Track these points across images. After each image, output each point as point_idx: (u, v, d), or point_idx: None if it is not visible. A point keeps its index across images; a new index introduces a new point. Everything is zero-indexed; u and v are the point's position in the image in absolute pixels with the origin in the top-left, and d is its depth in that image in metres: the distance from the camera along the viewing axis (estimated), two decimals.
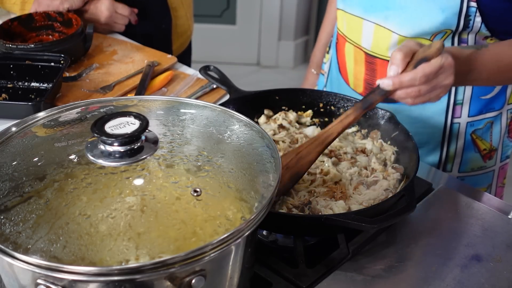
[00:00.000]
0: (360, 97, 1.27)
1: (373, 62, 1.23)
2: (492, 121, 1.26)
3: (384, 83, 0.95)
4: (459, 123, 1.24)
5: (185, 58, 1.93)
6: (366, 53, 1.24)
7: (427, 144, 1.27)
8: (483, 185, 1.33)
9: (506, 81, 1.15)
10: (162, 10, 1.76)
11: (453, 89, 1.19)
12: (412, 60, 0.96)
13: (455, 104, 1.21)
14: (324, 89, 1.45)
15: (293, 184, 0.97)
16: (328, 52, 1.49)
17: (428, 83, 0.94)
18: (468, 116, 1.23)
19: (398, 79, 0.94)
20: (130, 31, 1.65)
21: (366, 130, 1.13)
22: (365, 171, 1.02)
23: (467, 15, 1.09)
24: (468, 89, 1.20)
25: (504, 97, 1.25)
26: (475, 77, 1.05)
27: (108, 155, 0.70)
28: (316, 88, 1.55)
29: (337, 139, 1.04)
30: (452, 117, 1.23)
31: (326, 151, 1.05)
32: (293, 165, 0.97)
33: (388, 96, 0.97)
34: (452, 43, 1.14)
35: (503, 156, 1.33)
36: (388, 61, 1.20)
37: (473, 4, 1.07)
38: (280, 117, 1.16)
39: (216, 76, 1.23)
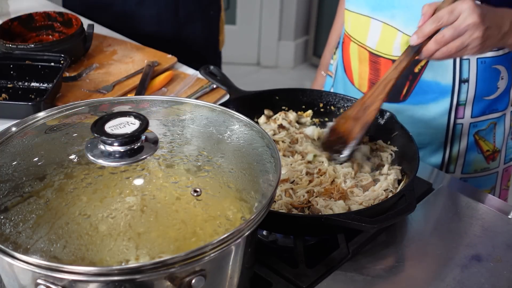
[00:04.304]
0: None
1: (377, 62, 1.23)
2: (496, 122, 1.26)
3: (411, 40, 0.99)
4: (462, 123, 1.23)
5: (216, 57, 1.98)
6: (370, 53, 1.24)
7: (429, 145, 1.27)
8: (487, 187, 1.32)
9: None
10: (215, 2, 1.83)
11: (456, 89, 1.19)
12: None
13: (458, 104, 1.21)
14: (331, 89, 1.46)
15: (364, 133, 1.03)
16: (335, 53, 1.50)
17: (450, 26, 0.95)
18: (471, 117, 1.23)
19: (420, 30, 0.97)
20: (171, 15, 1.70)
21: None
22: (361, 174, 1.02)
23: None
24: (471, 90, 1.20)
25: (507, 98, 1.25)
26: None
27: (108, 155, 0.70)
28: (323, 89, 1.55)
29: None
30: (455, 117, 1.22)
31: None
32: (361, 116, 1.04)
33: (421, 51, 0.99)
34: None
35: (507, 158, 1.33)
36: (392, 60, 1.20)
37: (478, 3, 1.07)
38: (280, 117, 1.16)
39: (216, 76, 1.23)
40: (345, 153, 1.04)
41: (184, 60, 1.52)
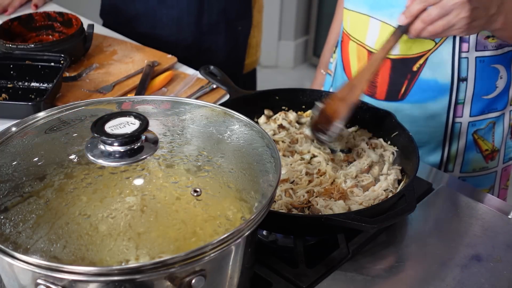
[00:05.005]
0: (363, 95, 1.28)
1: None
2: (494, 122, 1.26)
3: (399, 19, 1.01)
4: (461, 122, 1.23)
5: (251, 82, 1.89)
6: (369, 51, 1.24)
7: (428, 144, 1.27)
8: (486, 187, 1.32)
9: None
10: (245, 22, 1.75)
11: (455, 88, 1.19)
12: None
13: (456, 103, 1.21)
14: (330, 89, 1.46)
15: (349, 113, 1.04)
16: (334, 52, 1.50)
17: (437, 5, 0.96)
18: (470, 116, 1.23)
19: (407, 9, 0.99)
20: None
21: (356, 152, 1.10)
22: (362, 175, 1.02)
23: None
24: (470, 89, 1.20)
25: (506, 98, 1.25)
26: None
27: (108, 155, 0.70)
28: (323, 88, 1.55)
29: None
30: (454, 116, 1.22)
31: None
32: (347, 96, 1.05)
33: (409, 31, 1.01)
34: (454, 42, 1.14)
35: (506, 157, 1.33)
36: (390, 59, 1.20)
37: None
38: (280, 117, 1.16)
39: (216, 76, 1.23)
40: (330, 133, 1.05)
41: None
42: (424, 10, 0.99)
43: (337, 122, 1.04)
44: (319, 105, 1.09)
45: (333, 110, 1.06)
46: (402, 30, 1.02)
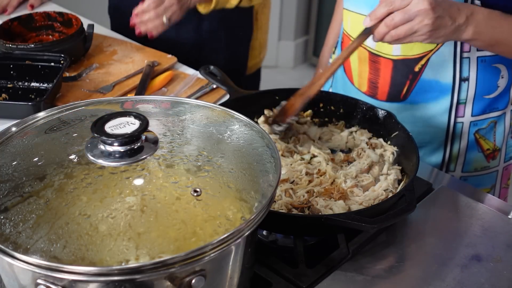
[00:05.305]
0: (365, 96, 1.28)
1: (377, 61, 1.23)
2: (496, 121, 1.26)
3: (364, 21, 1.02)
4: (462, 122, 1.23)
5: (254, 82, 1.90)
6: (370, 52, 1.24)
7: (430, 144, 1.27)
8: (487, 186, 1.32)
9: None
10: (246, 23, 1.74)
11: (457, 88, 1.19)
12: None
13: (458, 103, 1.21)
14: (330, 89, 1.46)
15: (303, 106, 1.09)
16: (334, 53, 1.50)
17: (401, 11, 0.97)
18: (472, 116, 1.23)
19: (373, 12, 1.00)
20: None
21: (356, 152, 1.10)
22: (362, 175, 1.02)
23: None
24: (472, 88, 1.20)
25: (507, 97, 1.25)
26: (477, 24, 1.03)
27: (108, 155, 0.70)
28: (322, 88, 1.55)
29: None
30: (456, 116, 1.23)
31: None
32: (305, 91, 1.09)
33: (373, 33, 1.02)
34: (455, 42, 1.14)
35: (507, 156, 1.33)
36: (392, 60, 1.20)
37: (477, 2, 1.08)
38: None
39: (216, 76, 1.23)
40: (283, 124, 1.09)
41: None
42: (389, 14, 0.99)
43: (291, 115, 1.09)
44: (284, 102, 1.12)
45: (291, 105, 1.10)
46: (366, 33, 1.03)
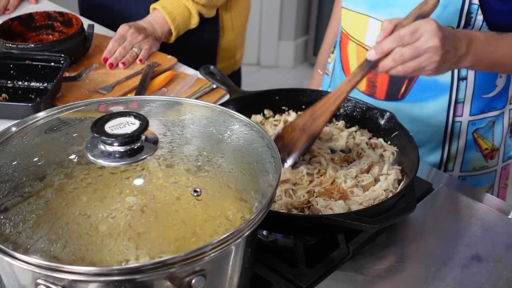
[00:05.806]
0: (363, 95, 1.28)
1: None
2: (494, 120, 1.26)
3: (368, 54, 0.99)
4: (461, 122, 1.24)
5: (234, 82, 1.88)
6: None
7: (428, 143, 1.27)
8: (485, 185, 1.32)
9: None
10: (211, 27, 1.72)
11: (455, 87, 1.19)
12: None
13: (456, 102, 1.21)
14: (328, 89, 1.46)
15: (311, 144, 1.03)
16: (333, 52, 1.50)
17: (410, 47, 0.95)
18: (470, 115, 1.23)
19: (379, 46, 0.97)
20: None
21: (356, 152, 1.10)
22: (362, 175, 1.02)
23: (469, 12, 1.09)
24: (470, 88, 1.20)
25: (506, 97, 1.25)
26: (476, 52, 1.02)
27: (108, 155, 0.70)
28: (321, 87, 1.55)
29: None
30: (454, 115, 1.23)
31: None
32: (309, 126, 1.04)
33: (378, 66, 0.99)
34: None
35: (506, 156, 1.33)
36: None
37: (475, 1, 1.08)
38: (281, 118, 1.16)
39: (216, 76, 1.23)
40: (289, 162, 1.03)
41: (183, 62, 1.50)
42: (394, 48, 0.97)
43: (295, 153, 1.03)
44: (278, 129, 1.07)
45: (292, 139, 1.05)
46: (370, 65, 0.99)
